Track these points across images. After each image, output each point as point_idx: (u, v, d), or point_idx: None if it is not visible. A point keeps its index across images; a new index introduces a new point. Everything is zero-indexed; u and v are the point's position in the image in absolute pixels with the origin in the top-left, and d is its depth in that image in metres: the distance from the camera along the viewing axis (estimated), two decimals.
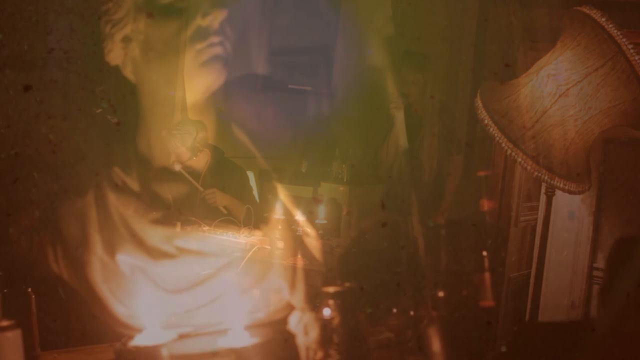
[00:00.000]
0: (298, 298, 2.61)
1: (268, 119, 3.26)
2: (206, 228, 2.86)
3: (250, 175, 3.17)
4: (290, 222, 2.86)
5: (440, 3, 3.13)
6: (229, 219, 2.93)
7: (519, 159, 2.39)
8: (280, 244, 2.82)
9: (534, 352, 2.68)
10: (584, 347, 2.62)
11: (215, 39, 2.79)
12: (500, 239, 3.07)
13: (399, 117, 3.11)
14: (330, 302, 2.46)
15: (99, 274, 2.58)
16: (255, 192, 3.12)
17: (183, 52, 2.81)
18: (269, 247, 2.82)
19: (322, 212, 2.89)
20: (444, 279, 2.75)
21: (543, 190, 2.69)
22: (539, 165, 2.38)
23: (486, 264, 2.64)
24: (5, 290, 2.26)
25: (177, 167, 2.86)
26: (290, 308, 2.64)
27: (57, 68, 2.56)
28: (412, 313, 2.51)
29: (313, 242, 2.67)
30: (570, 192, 2.42)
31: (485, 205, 2.94)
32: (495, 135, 2.43)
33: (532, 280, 2.82)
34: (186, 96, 2.93)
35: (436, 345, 2.43)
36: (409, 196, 2.95)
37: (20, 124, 2.52)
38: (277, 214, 2.86)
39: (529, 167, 2.39)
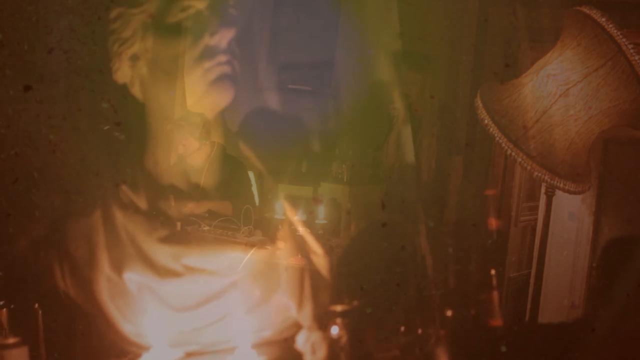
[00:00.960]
0: (305, 316, 2.61)
1: (268, 119, 3.26)
2: (206, 228, 2.86)
3: (250, 175, 3.17)
4: (290, 222, 2.86)
5: (440, 3, 3.13)
6: (229, 219, 2.92)
7: (519, 159, 2.39)
8: (280, 244, 2.82)
9: (534, 352, 2.68)
10: (584, 347, 2.63)
11: (223, 58, 2.81)
12: (500, 239, 3.07)
13: (399, 117, 3.11)
14: (338, 320, 2.47)
15: (106, 291, 2.59)
16: (255, 191, 3.12)
17: (183, 58, 2.82)
18: (269, 248, 2.82)
19: (322, 212, 2.89)
20: (444, 279, 2.75)
21: (543, 190, 2.69)
22: (539, 165, 2.38)
23: (494, 282, 2.65)
24: (12, 306, 2.28)
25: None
26: (297, 326, 2.65)
27: (57, 68, 2.56)
28: (419, 331, 2.52)
29: (321, 260, 2.67)
30: (570, 192, 2.42)
31: (494, 224, 2.95)
32: (495, 135, 2.43)
33: (532, 280, 2.82)
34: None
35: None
36: (409, 197, 2.95)
37: (20, 124, 2.51)
38: (278, 214, 2.86)
39: (529, 167, 2.39)
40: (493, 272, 2.72)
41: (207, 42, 2.77)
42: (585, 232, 2.86)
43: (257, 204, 2.99)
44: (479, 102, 2.50)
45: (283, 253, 2.80)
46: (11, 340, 2.25)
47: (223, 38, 2.79)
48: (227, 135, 3.05)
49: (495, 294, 2.62)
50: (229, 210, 2.91)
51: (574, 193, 2.44)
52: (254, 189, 3.00)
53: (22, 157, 2.50)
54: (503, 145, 2.41)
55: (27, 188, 2.52)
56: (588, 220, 2.85)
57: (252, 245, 2.79)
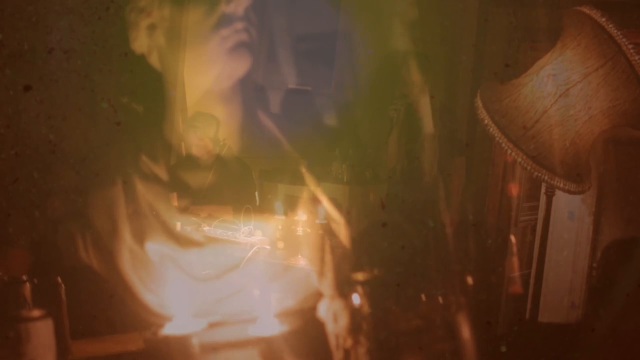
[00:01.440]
0: (327, 285, 2.61)
1: (268, 119, 3.26)
2: (206, 228, 2.86)
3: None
4: (290, 222, 2.87)
5: (440, 3, 3.13)
6: (229, 219, 2.93)
7: (519, 159, 2.39)
8: (280, 244, 2.82)
9: (534, 352, 2.68)
10: (584, 347, 2.63)
11: (239, 26, 2.80)
12: (500, 239, 3.07)
13: (399, 118, 3.11)
14: (359, 289, 2.46)
15: (128, 262, 2.59)
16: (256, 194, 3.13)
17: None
18: (268, 247, 2.82)
19: (322, 212, 2.89)
20: (445, 279, 2.75)
21: (543, 190, 2.69)
22: (539, 165, 2.38)
23: (514, 249, 2.61)
24: (35, 281, 2.29)
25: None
26: (319, 295, 2.64)
27: (57, 68, 2.57)
28: (440, 300, 2.52)
29: (341, 229, 2.66)
30: (570, 192, 2.42)
31: (514, 190, 2.93)
32: (495, 135, 2.43)
33: (532, 280, 2.82)
34: (186, 95, 2.94)
35: (466, 331, 2.44)
36: (409, 197, 2.95)
37: (20, 124, 2.52)
38: (278, 213, 2.86)
39: (529, 167, 2.39)
40: (513, 238, 2.71)
41: (223, 9, 2.77)
42: (585, 232, 2.86)
43: (257, 204, 2.98)
44: (479, 102, 2.50)
45: (283, 253, 2.80)
46: (36, 313, 2.27)
47: (240, 5, 2.79)
48: (244, 107, 3.05)
49: (515, 260, 2.62)
50: (229, 215, 2.92)
51: (574, 193, 2.44)
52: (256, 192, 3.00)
53: (22, 157, 2.51)
54: (503, 145, 2.41)
55: (27, 188, 2.52)
56: (588, 220, 2.85)
57: (252, 245, 2.80)
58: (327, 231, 2.70)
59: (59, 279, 2.35)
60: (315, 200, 2.90)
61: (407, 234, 2.81)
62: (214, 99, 2.91)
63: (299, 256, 2.77)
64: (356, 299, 2.44)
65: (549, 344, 2.71)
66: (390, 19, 3.16)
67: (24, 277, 2.29)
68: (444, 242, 2.83)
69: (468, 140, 3.12)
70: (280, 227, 2.84)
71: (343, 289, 2.52)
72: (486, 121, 2.45)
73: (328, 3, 3.24)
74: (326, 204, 2.70)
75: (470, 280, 2.71)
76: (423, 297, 2.54)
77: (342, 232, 2.67)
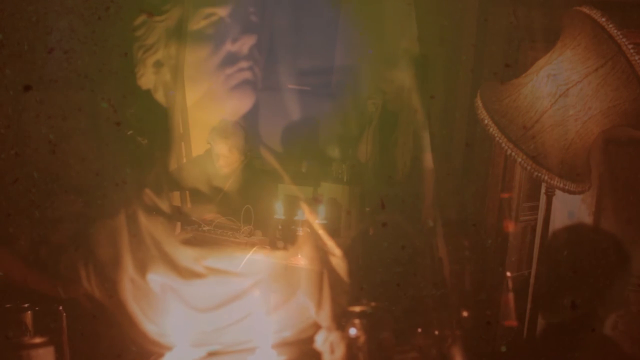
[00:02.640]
0: (324, 317, 2.64)
1: (268, 119, 3.26)
2: (206, 228, 2.86)
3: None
4: (290, 222, 2.87)
5: (440, 3, 3.13)
6: (228, 219, 2.93)
7: (519, 159, 2.39)
8: (280, 244, 2.82)
9: (534, 352, 2.68)
10: (584, 347, 2.63)
11: (244, 64, 2.85)
12: (500, 239, 3.07)
13: (377, 113, 3.12)
14: (356, 321, 2.49)
15: (130, 292, 2.64)
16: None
17: (183, 56, 2.84)
18: (268, 247, 2.82)
19: (322, 212, 2.89)
20: (444, 279, 2.75)
21: (543, 190, 2.69)
22: (539, 165, 2.38)
23: (510, 284, 2.66)
24: (36, 308, 2.33)
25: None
26: (316, 327, 2.68)
27: (57, 68, 2.57)
28: (436, 332, 2.54)
29: (339, 262, 2.69)
30: (570, 192, 2.42)
31: (510, 227, 2.95)
32: (495, 135, 2.43)
33: (532, 280, 2.82)
34: (187, 99, 2.95)
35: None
36: (384, 192, 2.96)
37: (20, 124, 2.52)
38: (278, 213, 2.86)
39: (529, 167, 2.39)
40: (509, 274, 2.73)
41: (229, 48, 2.81)
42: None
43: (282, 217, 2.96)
44: (479, 102, 2.50)
45: (283, 253, 2.80)
46: (37, 340, 2.31)
47: (244, 44, 2.83)
48: (247, 139, 3.07)
49: (510, 296, 2.64)
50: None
51: (574, 193, 2.44)
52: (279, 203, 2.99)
53: (22, 157, 2.51)
54: (503, 145, 2.41)
55: (27, 188, 2.52)
56: (588, 220, 2.85)
57: (252, 245, 2.80)
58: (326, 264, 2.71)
59: (61, 308, 2.39)
60: (315, 200, 2.90)
61: (407, 234, 2.81)
62: (214, 100, 2.91)
63: (299, 256, 2.77)
64: (353, 331, 2.47)
65: (549, 344, 2.71)
66: (390, 19, 3.16)
67: (26, 305, 2.36)
68: (445, 241, 2.83)
69: (468, 140, 3.12)
70: (280, 227, 2.84)
71: (340, 320, 2.55)
72: (486, 121, 2.45)
73: (328, 3, 3.24)
74: (325, 239, 2.71)
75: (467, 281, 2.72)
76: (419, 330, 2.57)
77: (341, 265, 2.68)
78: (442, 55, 3.23)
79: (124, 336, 2.61)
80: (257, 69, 2.92)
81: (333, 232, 2.91)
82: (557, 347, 2.69)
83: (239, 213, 2.87)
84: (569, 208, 2.89)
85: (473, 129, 3.06)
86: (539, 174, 2.38)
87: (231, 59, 2.84)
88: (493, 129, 2.43)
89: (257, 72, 2.93)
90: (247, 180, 3.01)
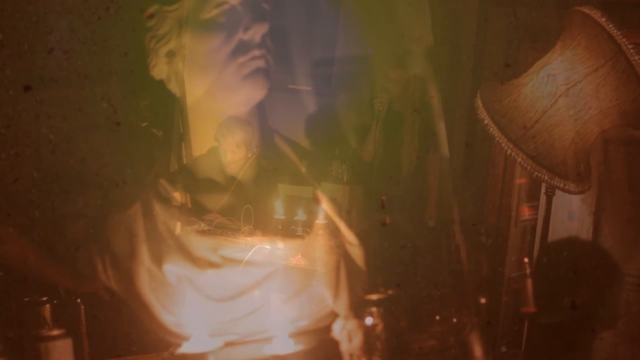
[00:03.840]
0: (341, 305, 2.64)
1: (268, 119, 3.26)
2: (206, 228, 2.86)
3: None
4: (290, 222, 2.86)
5: (440, 3, 3.13)
6: (228, 219, 2.93)
7: (519, 159, 2.39)
8: (280, 244, 2.82)
9: (534, 352, 2.68)
10: (584, 347, 2.63)
11: (257, 52, 2.84)
12: (500, 239, 3.07)
13: (383, 112, 3.12)
14: (374, 309, 2.50)
15: (146, 283, 2.63)
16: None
17: (182, 54, 2.84)
18: (268, 247, 2.82)
19: (322, 212, 2.89)
20: (445, 278, 2.76)
21: (543, 190, 2.69)
22: (539, 165, 2.38)
23: (527, 270, 2.66)
24: (55, 301, 2.37)
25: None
26: (334, 315, 2.68)
27: (57, 68, 2.57)
28: (454, 320, 2.55)
29: (356, 250, 2.69)
30: (570, 192, 2.42)
31: (526, 212, 2.95)
32: (495, 135, 2.43)
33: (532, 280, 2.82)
34: (187, 95, 2.94)
35: (478, 351, 2.47)
36: (388, 192, 2.97)
37: (20, 124, 2.52)
38: (278, 213, 2.86)
39: (529, 167, 2.39)
40: (526, 260, 2.72)
41: (241, 36, 2.80)
42: (585, 232, 2.86)
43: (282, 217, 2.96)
44: (479, 102, 2.51)
45: (283, 253, 2.80)
46: (55, 332, 2.33)
47: (257, 32, 2.82)
48: (262, 130, 3.07)
49: (529, 282, 2.63)
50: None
51: (574, 193, 2.44)
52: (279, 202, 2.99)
53: (22, 157, 2.51)
54: (503, 145, 2.41)
55: (27, 188, 2.52)
56: (588, 220, 2.85)
57: (252, 245, 2.80)
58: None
59: (79, 300, 2.40)
60: (315, 200, 2.90)
61: (407, 234, 2.82)
62: (215, 99, 2.91)
63: (299, 256, 2.77)
64: (370, 319, 2.48)
65: (549, 344, 2.71)
66: (390, 19, 3.16)
67: (44, 298, 2.38)
68: (445, 241, 2.83)
69: (468, 140, 3.12)
70: (280, 227, 2.84)
71: (358, 309, 2.55)
72: (486, 121, 2.45)
73: (328, 3, 3.24)
74: (342, 227, 2.71)
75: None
76: (437, 318, 2.57)
77: (358, 252, 2.68)
78: (442, 55, 3.24)
79: (141, 327, 2.61)
80: (269, 57, 2.91)
81: (333, 232, 2.91)
82: (557, 347, 2.69)
83: (244, 212, 2.87)
84: (569, 208, 2.89)
85: (473, 129, 3.06)
86: (539, 174, 2.39)
87: (244, 48, 2.82)
88: (493, 129, 2.43)
89: (270, 60, 2.92)
90: (254, 179, 3.01)
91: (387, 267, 2.72)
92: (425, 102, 3.08)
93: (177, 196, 2.90)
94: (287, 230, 2.84)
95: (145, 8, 2.78)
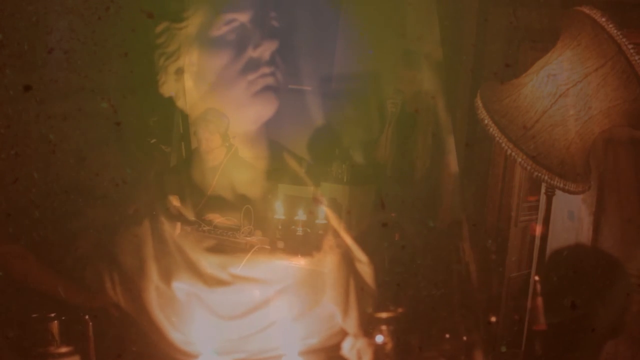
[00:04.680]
0: (351, 324, 2.64)
1: (267, 119, 3.25)
2: (206, 228, 2.86)
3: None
4: (290, 222, 2.86)
5: (440, 3, 3.13)
6: (228, 219, 2.93)
7: (519, 159, 2.39)
8: (280, 244, 2.82)
9: (534, 352, 2.68)
10: (584, 347, 2.63)
11: (266, 70, 2.85)
12: (500, 239, 3.07)
13: (396, 113, 3.11)
14: (383, 327, 2.49)
15: (155, 301, 2.63)
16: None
17: (191, 71, 2.85)
18: (268, 247, 2.82)
19: (322, 212, 2.89)
20: (445, 278, 2.76)
21: (543, 190, 2.69)
22: (539, 165, 2.38)
23: (538, 288, 2.66)
24: (63, 318, 2.37)
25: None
26: (343, 334, 2.67)
27: (57, 68, 2.57)
28: (464, 338, 2.55)
29: (365, 268, 2.68)
30: (570, 192, 2.43)
31: (537, 230, 2.95)
32: (495, 135, 2.43)
33: (532, 280, 2.82)
34: (186, 95, 2.94)
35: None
36: (403, 194, 2.97)
37: (20, 124, 2.52)
38: (278, 213, 2.86)
39: (529, 167, 2.39)
40: (537, 278, 2.73)
41: (250, 54, 2.81)
42: (585, 232, 2.86)
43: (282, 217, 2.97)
44: (479, 102, 2.51)
45: (283, 253, 2.80)
46: (63, 350, 2.33)
47: (266, 50, 2.83)
48: (271, 147, 3.09)
49: (539, 300, 2.63)
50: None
51: (574, 193, 2.44)
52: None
53: (22, 157, 2.51)
54: (503, 145, 2.41)
55: (27, 188, 2.52)
56: (588, 220, 2.85)
57: (252, 245, 2.80)
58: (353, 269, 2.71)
59: (87, 317, 2.42)
60: (315, 200, 2.90)
61: (407, 234, 2.81)
62: (215, 100, 2.91)
63: (299, 256, 2.77)
64: (380, 338, 2.48)
65: (549, 344, 2.71)
66: (390, 19, 3.16)
67: (52, 314, 2.39)
68: (442, 241, 2.83)
69: (468, 140, 3.12)
70: (280, 227, 2.84)
71: (367, 327, 2.55)
72: (486, 121, 2.45)
73: (328, 3, 3.24)
74: (351, 245, 2.71)
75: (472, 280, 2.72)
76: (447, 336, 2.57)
77: (367, 270, 2.67)
78: (442, 55, 3.24)
79: (150, 344, 2.62)
80: (279, 74, 2.92)
81: (333, 232, 2.91)
82: (557, 347, 2.69)
83: (232, 208, 2.87)
84: (569, 208, 2.89)
85: (473, 129, 3.06)
86: (539, 174, 2.39)
87: (253, 65, 2.84)
88: (493, 129, 2.44)
89: (280, 77, 2.93)
90: (234, 173, 3.00)
91: (399, 268, 2.72)
92: (433, 105, 3.08)
93: (174, 198, 2.91)
94: (287, 230, 2.84)
95: (145, 8, 2.78)
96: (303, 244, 2.77)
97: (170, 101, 2.91)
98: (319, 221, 2.86)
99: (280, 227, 2.84)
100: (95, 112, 2.65)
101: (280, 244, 2.83)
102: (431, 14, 3.04)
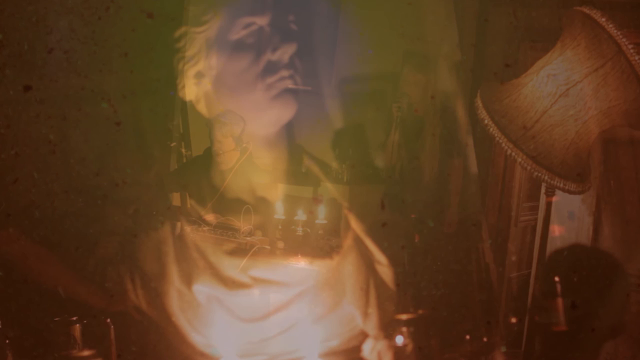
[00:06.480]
0: (371, 325, 2.64)
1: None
2: (207, 228, 2.86)
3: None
4: (290, 222, 2.86)
5: (440, 3, 3.13)
6: (228, 219, 2.93)
7: (519, 159, 2.39)
8: (280, 244, 2.82)
9: (534, 352, 2.68)
10: (584, 347, 2.63)
11: (285, 73, 2.86)
12: (500, 239, 3.07)
13: (402, 117, 3.11)
14: (404, 329, 2.49)
15: (176, 304, 2.65)
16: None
17: (210, 75, 2.86)
18: (268, 247, 2.82)
19: (322, 212, 2.89)
20: (445, 278, 2.76)
21: (543, 190, 2.69)
22: (539, 165, 2.38)
23: (558, 289, 2.65)
24: (85, 321, 2.40)
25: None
26: (363, 335, 2.68)
27: (57, 68, 2.57)
28: (485, 339, 2.55)
29: (385, 269, 2.68)
30: (570, 192, 2.43)
31: (557, 231, 2.95)
32: (495, 135, 2.43)
33: (532, 280, 2.82)
34: (186, 95, 2.94)
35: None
36: (409, 197, 2.96)
37: (20, 124, 2.52)
38: (278, 213, 2.86)
39: (529, 167, 2.39)
40: (557, 279, 2.72)
41: (269, 57, 2.81)
42: (585, 232, 2.86)
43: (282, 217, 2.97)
44: (479, 102, 2.51)
45: (283, 253, 2.81)
46: (86, 353, 2.36)
47: (285, 53, 2.84)
48: (291, 149, 3.10)
49: (559, 301, 2.63)
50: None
51: (574, 193, 2.44)
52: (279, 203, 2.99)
53: (22, 157, 2.51)
54: (503, 145, 2.41)
55: (27, 188, 2.52)
56: (588, 220, 2.85)
57: (252, 245, 2.80)
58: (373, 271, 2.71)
59: (109, 320, 2.43)
60: (315, 200, 2.90)
61: (407, 234, 2.81)
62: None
63: (299, 256, 2.77)
64: (400, 339, 2.48)
65: (549, 344, 2.71)
66: (391, 19, 3.16)
67: (74, 317, 2.42)
68: (444, 242, 2.83)
69: (468, 140, 3.12)
70: (280, 227, 2.84)
71: (387, 329, 2.55)
72: (486, 121, 2.45)
73: (328, 3, 3.24)
74: (371, 247, 2.71)
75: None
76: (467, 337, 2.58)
77: (387, 272, 2.67)
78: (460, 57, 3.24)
79: (171, 347, 2.63)
80: (298, 77, 2.93)
81: (333, 233, 2.91)
82: (557, 347, 2.69)
83: (239, 212, 2.87)
84: (569, 208, 2.89)
85: (473, 129, 3.06)
86: (539, 174, 2.39)
87: (272, 68, 2.84)
88: (493, 129, 2.44)
89: (298, 80, 2.94)
90: (246, 178, 3.00)
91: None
92: (447, 108, 3.08)
93: (177, 198, 2.91)
94: (287, 230, 2.84)
95: (145, 8, 2.77)
96: (317, 247, 2.79)
97: (170, 101, 2.92)
98: (322, 222, 2.86)
99: (280, 227, 2.84)
100: (96, 112, 2.66)
101: (281, 244, 2.83)
102: (450, 16, 3.04)
